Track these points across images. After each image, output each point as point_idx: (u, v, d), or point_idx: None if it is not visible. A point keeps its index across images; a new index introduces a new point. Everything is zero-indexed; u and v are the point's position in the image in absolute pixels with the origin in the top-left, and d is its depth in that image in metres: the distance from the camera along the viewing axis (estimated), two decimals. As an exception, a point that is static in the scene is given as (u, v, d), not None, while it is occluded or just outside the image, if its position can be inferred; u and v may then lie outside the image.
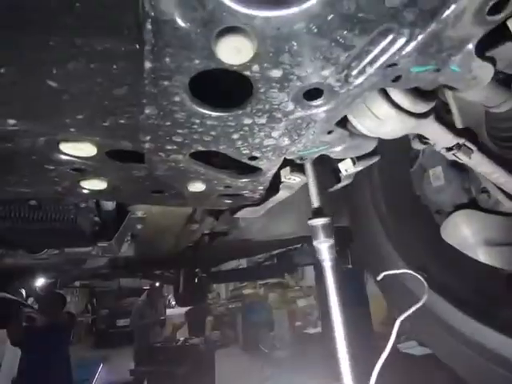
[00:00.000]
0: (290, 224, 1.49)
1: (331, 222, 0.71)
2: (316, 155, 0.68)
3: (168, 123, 0.50)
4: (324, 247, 0.69)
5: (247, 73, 0.40)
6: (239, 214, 1.13)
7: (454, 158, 0.59)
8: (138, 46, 0.34)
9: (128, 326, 6.16)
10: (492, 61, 0.40)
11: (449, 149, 0.57)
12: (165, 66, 0.37)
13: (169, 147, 0.58)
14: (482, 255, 0.98)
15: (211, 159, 0.74)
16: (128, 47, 0.34)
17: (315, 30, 0.33)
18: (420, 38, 0.35)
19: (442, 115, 0.55)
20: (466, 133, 0.57)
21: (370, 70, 0.40)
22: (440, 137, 0.56)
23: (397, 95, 0.48)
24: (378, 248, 1.30)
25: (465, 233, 1.01)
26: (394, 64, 0.40)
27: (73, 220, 1.49)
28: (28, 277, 3.52)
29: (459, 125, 0.83)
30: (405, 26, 0.34)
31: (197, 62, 0.37)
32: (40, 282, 3.98)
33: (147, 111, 0.46)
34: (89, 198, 0.94)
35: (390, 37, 0.35)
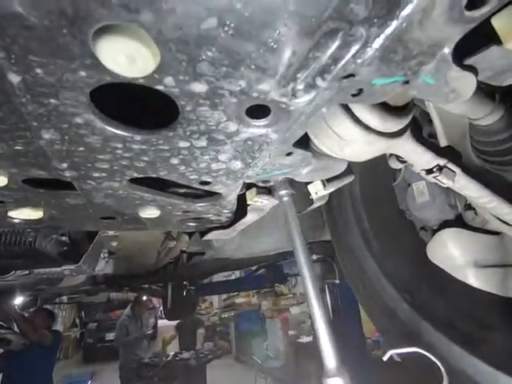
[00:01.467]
0: (271, 241, 1.39)
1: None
2: (279, 178, 0.58)
3: (81, 149, 0.40)
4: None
5: (160, 87, 0.30)
6: (209, 237, 1.03)
7: (434, 181, 0.50)
8: (-14, 54, 0.24)
9: (117, 339, 5.92)
10: (473, 70, 0.31)
11: (428, 171, 0.48)
12: (40, 79, 0.27)
13: (96, 174, 0.48)
14: (472, 278, 0.90)
15: (167, 181, 0.65)
16: (-28, 55, 0.24)
17: (232, 31, 0.24)
18: (379, 41, 0.27)
19: (418, 132, 0.46)
20: (449, 152, 0.49)
21: (322, 83, 0.32)
22: (417, 158, 0.48)
23: (362, 112, 0.39)
24: (360, 264, 1.21)
25: (452, 253, 0.93)
26: (351, 75, 0.31)
27: (31, 243, 1.37)
28: (4, 296, 3.32)
29: (442, 138, 0.75)
30: (356, 24, 0.25)
31: (83, 74, 0.27)
32: (18, 300, 3.76)
33: (46, 136, 0.36)
34: (28, 227, 0.84)
35: (339, 40, 0.26)
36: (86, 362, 9.37)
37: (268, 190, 0.72)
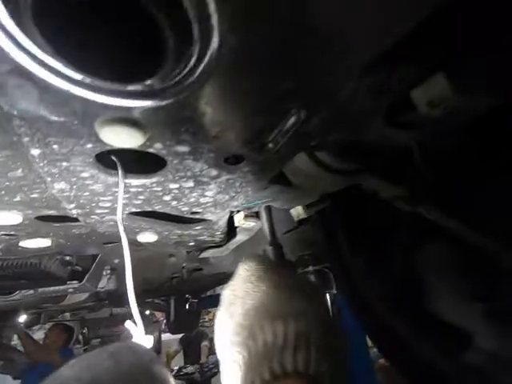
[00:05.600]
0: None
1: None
2: (262, 206, 0.65)
3: (86, 194, 0.47)
4: None
5: (151, 150, 0.37)
6: (206, 254, 1.10)
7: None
8: (15, 138, 0.31)
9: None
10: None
11: (397, 197, 0.55)
12: (55, 151, 0.35)
13: (99, 211, 0.55)
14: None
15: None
16: (5, 139, 0.31)
17: (207, 109, 0.31)
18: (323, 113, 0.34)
19: (382, 165, 0.53)
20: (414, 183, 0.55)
21: (284, 140, 0.39)
22: (382, 188, 0.55)
23: (324, 155, 0.46)
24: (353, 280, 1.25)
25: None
26: (308, 133, 0.38)
27: (36, 264, 1.43)
28: (9, 314, 3.34)
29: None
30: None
31: (89, 146, 0.35)
32: (22, 318, 3.76)
33: (58, 187, 0.43)
34: (37, 254, 0.90)
35: (293, 117, 0.34)
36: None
37: (256, 213, 0.79)
